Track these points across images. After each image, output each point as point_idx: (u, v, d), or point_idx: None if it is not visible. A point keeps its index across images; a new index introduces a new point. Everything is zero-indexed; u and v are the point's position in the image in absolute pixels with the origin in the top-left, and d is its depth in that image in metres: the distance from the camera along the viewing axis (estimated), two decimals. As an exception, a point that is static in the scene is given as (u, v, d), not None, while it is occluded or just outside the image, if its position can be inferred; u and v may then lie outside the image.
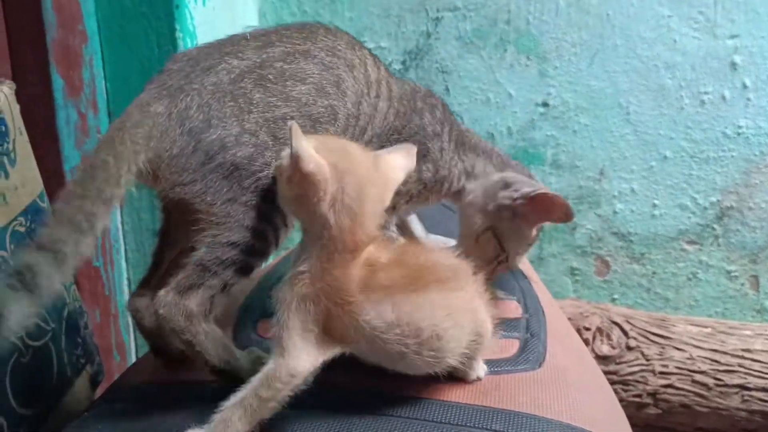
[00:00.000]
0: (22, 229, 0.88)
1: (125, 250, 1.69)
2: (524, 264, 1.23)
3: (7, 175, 0.86)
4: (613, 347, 1.49)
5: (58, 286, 0.69)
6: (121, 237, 1.69)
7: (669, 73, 1.64)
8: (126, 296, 1.70)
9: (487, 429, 0.77)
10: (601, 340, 1.50)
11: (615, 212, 1.74)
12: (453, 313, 0.71)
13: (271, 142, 0.78)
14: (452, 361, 0.75)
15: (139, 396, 0.86)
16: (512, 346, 0.93)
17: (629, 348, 1.49)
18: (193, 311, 0.75)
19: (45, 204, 0.93)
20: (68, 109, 1.53)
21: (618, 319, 1.52)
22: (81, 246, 0.70)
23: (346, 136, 0.85)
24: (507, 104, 1.73)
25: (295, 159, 0.68)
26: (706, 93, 1.64)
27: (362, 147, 0.77)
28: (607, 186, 1.73)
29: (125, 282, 1.71)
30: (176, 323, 0.75)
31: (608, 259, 1.77)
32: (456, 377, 0.83)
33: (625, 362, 1.48)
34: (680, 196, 1.70)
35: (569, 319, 1.50)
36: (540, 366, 0.90)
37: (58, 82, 1.50)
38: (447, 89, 1.76)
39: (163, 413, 0.79)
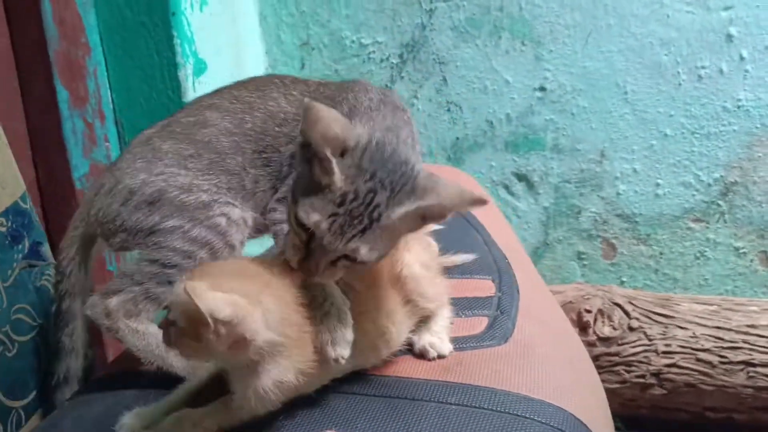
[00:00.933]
0: (3, 229, 0.92)
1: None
2: (516, 247, 1.23)
3: (-16, 178, 0.90)
4: (615, 328, 1.48)
5: None
6: (133, 240, 1.73)
7: (664, 50, 1.62)
8: (140, 297, 1.75)
9: (443, 402, 0.79)
10: (603, 322, 1.49)
11: (618, 194, 1.73)
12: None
13: (183, 172, 0.94)
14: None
15: (112, 385, 0.90)
16: (481, 324, 0.95)
17: (631, 328, 1.48)
18: (111, 309, 0.89)
19: (27, 205, 0.97)
20: (74, 119, 1.58)
21: (620, 300, 1.52)
22: None
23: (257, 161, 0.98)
24: (504, 91, 1.73)
25: (210, 315, 0.65)
26: (703, 67, 1.61)
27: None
28: (609, 167, 1.72)
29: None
30: (99, 320, 0.90)
31: (614, 241, 1.76)
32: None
33: (628, 343, 1.47)
34: (683, 173, 1.68)
35: (570, 302, 1.50)
36: (506, 341, 0.91)
37: (62, 93, 1.55)
38: (444, 79, 1.77)
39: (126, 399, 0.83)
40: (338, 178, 0.74)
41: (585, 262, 1.79)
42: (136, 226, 0.91)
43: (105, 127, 1.65)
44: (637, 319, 1.48)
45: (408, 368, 0.85)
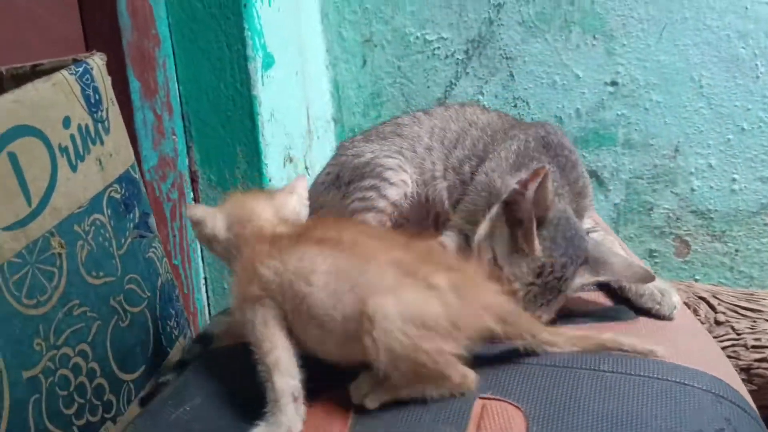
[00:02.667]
0: (117, 196, 0.90)
1: (201, 249, 1.72)
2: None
3: (102, 142, 0.88)
4: (702, 322, 1.44)
5: None
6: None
7: (742, 42, 1.60)
8: (203, 294, 1.73)
9: (596, 370, 0.76)
10: (689, 316, 1.45)
11: (692, 190, 1.70)
12: (329, 269, 0.73)
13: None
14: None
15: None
16: (603, 298, 0.92)
17: (718, 323, 1.44)
18: None
19: (137, 175, 0.96)
20: (144, 110, 1.57)
21: (704, 294, 1.48)
22: None
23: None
24: (574, 86, 1.71)
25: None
26: (782, 60, 1.59)
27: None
28: (683, 163, 1.69)
29: (202, 281, 1.73)
30: None
31: (688, 238, 1.72)
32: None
33: (715, 337, 1.43)
34: (760, 168, 1.65)
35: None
36: (635, 318, 0.88)
37: (134, 84, 1.54)
38: (511, 75, 1.75)
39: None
40: (538, 249, 0.81)
41: (657, 260, 1.75)
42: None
43: (173, 120, 1.64)
44: (724, 313, 1.44)
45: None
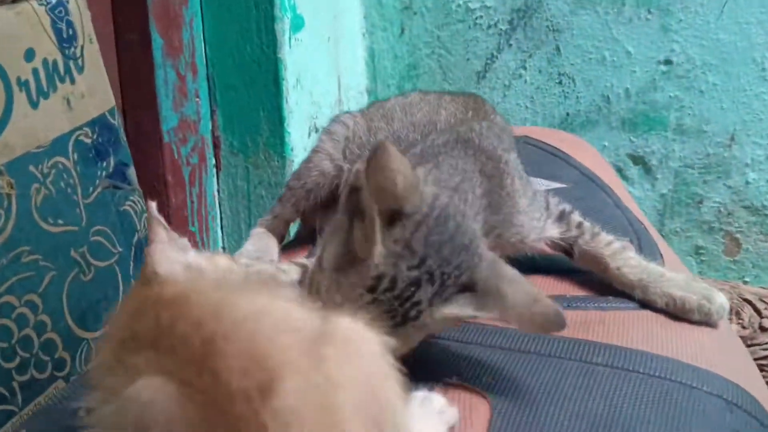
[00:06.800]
0: (88, 141, 0.85)
1: (221, 217, 1.67)
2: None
3: (72, 80, 0.83)
4: (744, 327, 1.32)
5: None
6: (216, 204, 1.67)
7: (813, 22, 1.46)
8: (220, 263, 1.68)
9: (587, 362, 0.66)
10: (730, 319, 1.33)
11: (747, 183, 1.58)
12: None
13: None
14: None
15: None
16: (621, 285, 0.81)
17: (763, 329, 1.32)
18: None
19: (115, 122, 0.90)
20: (167, 69, 1.52)
21: (750, 297, 1.35)
22: None
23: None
24: (625, 63, 1.61)
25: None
26: None
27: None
28: (739, 153, 1.57)
29: (220, 249, 1.69)
30: None
31: (738, 236, 1.60)
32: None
33: (758, 344, 1.30)
34: (825, 162, 1.51)
35: (693, 294, 1.34)
36: (655, 305, 0.77)
37: (157, 41, 1.50)
38: (558, 49, 1.65)
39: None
40: (378, 252, 0.58)
41: (703, 258, 1.64)
42: None
43: (197, 82, 1.60)
44: (770, 318, 1.31)
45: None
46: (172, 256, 0.57)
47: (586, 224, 0.80)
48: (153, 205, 0.61)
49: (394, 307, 0.58)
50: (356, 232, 0.59)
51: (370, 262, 0.57)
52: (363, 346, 0.48)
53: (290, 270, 0.73)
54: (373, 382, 0.47)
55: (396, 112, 0.92)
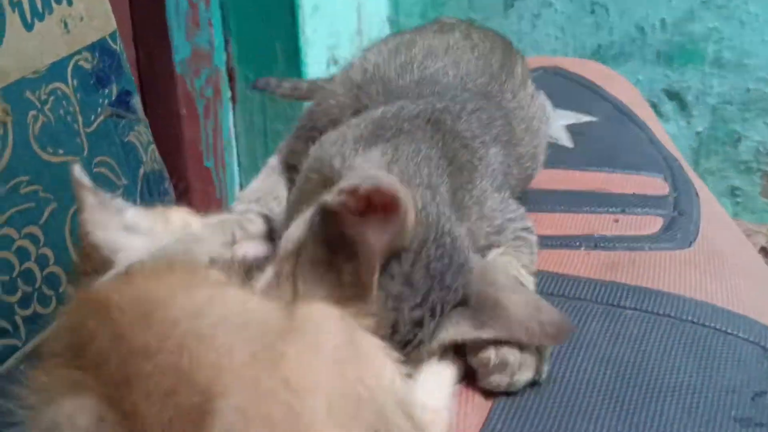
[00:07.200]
0: (88, 66, 0.81)
1: (237, 153, 1.63)
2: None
3: (70, 2, 0.79)
4: (780, 271, 1.27)
5: None
6: (233, 138, 1.63)
7: None
8: (237, 200, 1.65)
9: (614, 305, 0.62)
10: (766, 262, 1.27)
11: (790, 120, 1.53)
12: None
13: None
14: None
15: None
16: (654, 224, 0.77)
17: (801, 273, 1.26)
18: None
19: (117, 46, 0.86)
20: (178, -4, 1.47)
21: (787, 240, 1.30)
22: None
23: None
24: (661, -9, 1.55)
25: None
26: None
27: None
28: (782, 88, 1.52)
29: (237, 186, 1.66)
30: None
31: (778, 177, 1.56)
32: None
33: (795, 289, 1.25)
34: None
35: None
36: (689, 246, 0.72)
37: (168, -34, 1.45)
38: (589, -24, 1.57)
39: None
40: (376, 299, 0.49)
41: (739, 200, 1.60)
42: None
43: (210, 9, 1.54)
44: (809, 262, 1.26)
45: (565, 263, 0.68)
46: (106, 221, 0.52)
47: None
48: (76, 167, 0.55)
49: (396, 349, 0.48)
50: (344, 274, 0.50)
51: (368, 308, 0.48)
52: (338, 335, 0.41)
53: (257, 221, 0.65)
54: (353, 375, 0.40)
55: (416, 57, 0.72)
